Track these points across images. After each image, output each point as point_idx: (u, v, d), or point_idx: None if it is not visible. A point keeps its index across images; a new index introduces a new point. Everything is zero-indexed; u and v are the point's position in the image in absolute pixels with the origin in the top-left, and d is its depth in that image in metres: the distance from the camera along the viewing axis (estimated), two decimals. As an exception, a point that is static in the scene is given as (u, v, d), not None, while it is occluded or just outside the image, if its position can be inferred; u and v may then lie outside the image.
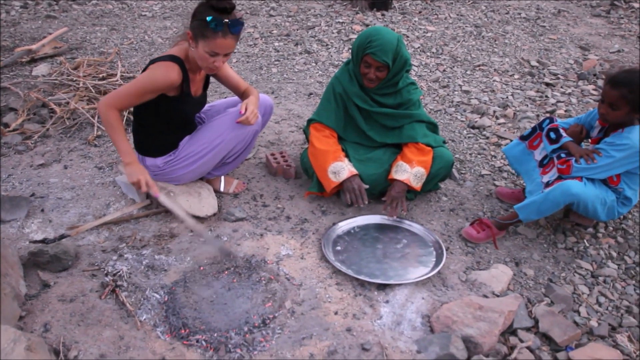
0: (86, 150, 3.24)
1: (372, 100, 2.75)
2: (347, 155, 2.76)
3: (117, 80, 3.89)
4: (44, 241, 2.35)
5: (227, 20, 2.22)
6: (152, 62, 2.41)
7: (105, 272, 2.28)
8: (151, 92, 2.37)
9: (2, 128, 3.34)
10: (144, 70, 2.42)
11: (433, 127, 2.86)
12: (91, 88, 3.77)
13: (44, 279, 2.21)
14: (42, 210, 2.67)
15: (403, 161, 2.70)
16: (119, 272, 2.27)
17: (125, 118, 3.50)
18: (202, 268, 2.33)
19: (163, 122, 2.54)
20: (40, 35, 5.09)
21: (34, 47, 4.49)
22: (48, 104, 3.60)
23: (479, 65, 4.70)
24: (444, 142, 2.92)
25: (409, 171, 2.67)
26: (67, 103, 3.61)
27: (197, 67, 2.45)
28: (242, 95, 2.71)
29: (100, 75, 3.99)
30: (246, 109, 2.51)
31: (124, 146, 2.37)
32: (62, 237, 2.40)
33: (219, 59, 2.32)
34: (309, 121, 2.87)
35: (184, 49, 2.42)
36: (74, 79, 3.90)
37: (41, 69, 4.23)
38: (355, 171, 2.66)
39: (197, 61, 2.37)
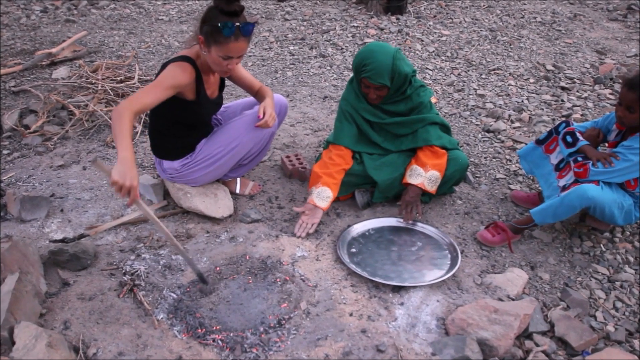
0: (104, 151, 3.29)
1: (383, 112, 2.75)
2: (362, 162, 2.77)
3: (134, 83, 3.95)
4: (63, 240, 2.39)
5: (238, 24, 2.22)
6: (165, 64, 2.43)
7: (124, 271, 2.31)
8: (167, 89, 2.29)
9: (22, 130, 3.41)
10: (158, 72, 2.45)
11: (446, 129, 2.86)
12: (109, 91, 3.82)
13: (64, 278, 2.25)
14: (62, 210, 2.72)
15: (417, 165, 2.70)
16: (137, 271, 2.30)
17: (142, 121, 3.56)
18: (218, 268, 2.35)
19: (179, 125, 2.57)
20: (59, 39, 5.17)
21: (53, 50, 4.57)
22: (67, 107, 3.66)
23: (494, 69, 4.69)
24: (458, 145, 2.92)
25: (424, 175, 2.67)
26: (86, 105, 3.66)
27: (209, 68, 2.46)
28: (256, 94, 2.72)
29: (119, 78, 4.05)
30: (264, 113, 2.53)
31: (126, 141, 2.01)
32: (81, 236, 2.44)
33: (233, 62, 2.33)
34: (327, 143, 2.88)
35: (195, 51, 2.43)
36: (93, 81, 3.96)
37: (61, 72, 4.31)
38: (320, 205, 2.60)
39: (210, 65, 2.38)
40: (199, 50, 2.39)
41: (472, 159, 3.31)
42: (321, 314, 2.15)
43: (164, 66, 2.41)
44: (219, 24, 2.19)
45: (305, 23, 5.81)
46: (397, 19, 5.87)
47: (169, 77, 2.32)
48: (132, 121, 2.09)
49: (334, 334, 2.04)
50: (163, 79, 2.31)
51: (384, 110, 2.75)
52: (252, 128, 2.57)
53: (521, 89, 4.34)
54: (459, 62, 4.85)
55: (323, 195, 2.61)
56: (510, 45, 5.26)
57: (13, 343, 1.78)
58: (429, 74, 4.59)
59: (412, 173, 2.70)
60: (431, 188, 2.69)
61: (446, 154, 2.75)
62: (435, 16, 6.03)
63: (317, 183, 2.64)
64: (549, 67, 4.72)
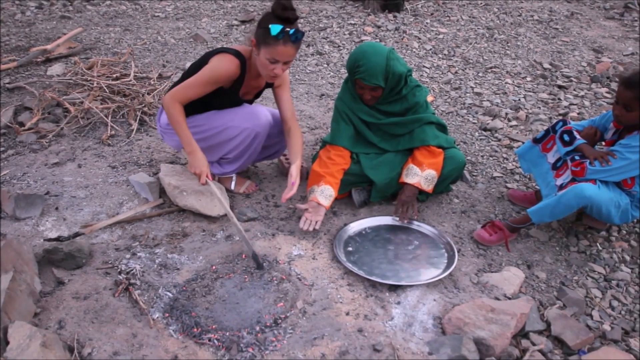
0: (100, 149, 3.27)
1: (379, 113, 2.74)
2: (358, 162, 2.76)
3: (130, 80, 3.92)
4: (58, 239, 2.38)
5: (288, 29, 2.29)
6: (216, 52, 2.49)
7: (119, 270, 2.30)
8: (213, 84, 2.47)
9: (17, 127, 3.38)
10: (202, 59, 2.51)
11: (442, 128, 2.85)
12: (105, 88, 3.80)
13: (59, 277, 2.24)
14: (57, 209, 2.70)
15: (414, 164, 2.70)
16: (132, 270, 2.29)
17: (138, 118, 3.54)
18: (214, 267, 2.34)
19: (198, 100, 2.56)
20: (55, 35, 5.14)
21: (48, 47, 4.54)
22: (62, 104, 3.63)
23: (491, 68, 4.69)
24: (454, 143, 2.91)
25: (420, 174, 2.66)
26: (81, 102, 3.64)
27: (256, 73, 2.53)
28: (285, 125, 2.70)
29: (114, 75, 4.03)
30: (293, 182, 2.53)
31: (186, 137, 2.47)
32: (76, 235, 2.43)
33: (279, 66, 2.38)
34: (324, 142, 2.86)
35: (249, 50, 2.50)
36: (88, 78, 3.94)
37: (56, 68, 4.27)
38: (323, 203, 2.59)
39: (258, 68, 2.45)
40: (252, 51, 2.45)
41: (469, 158, 3.30)
42: (317, 313, 2.14)
43: (211, 54, 2.49)
44: (270, 26, 2.27)
45: (302, 20, 5.79)
46: (394, 16, 5.86)
47: (214, 72, 2.45)
48: (182, 111, 2.46)
49: (331, 333, 2.04)
50: (209, 74, 2.44)
51: (380, 111, 2.74)
52: (243, 120, 2.59)
53: (518, 87, 4.33)
54: (456, 60, 4.84)
55: (326, 194, 2.60)
56: (508, 43, 5.26)
57: (7, 343, 1.77)
58: (426, 72, 4.58)
59: (408, 172, 2.69)
60: (427, 187, 2.68)
61: (442, 153, 2.74)
62: (432, 14, 6.02)
63: (320, 182, 2.63)
64: (546, 65, 4.72)
